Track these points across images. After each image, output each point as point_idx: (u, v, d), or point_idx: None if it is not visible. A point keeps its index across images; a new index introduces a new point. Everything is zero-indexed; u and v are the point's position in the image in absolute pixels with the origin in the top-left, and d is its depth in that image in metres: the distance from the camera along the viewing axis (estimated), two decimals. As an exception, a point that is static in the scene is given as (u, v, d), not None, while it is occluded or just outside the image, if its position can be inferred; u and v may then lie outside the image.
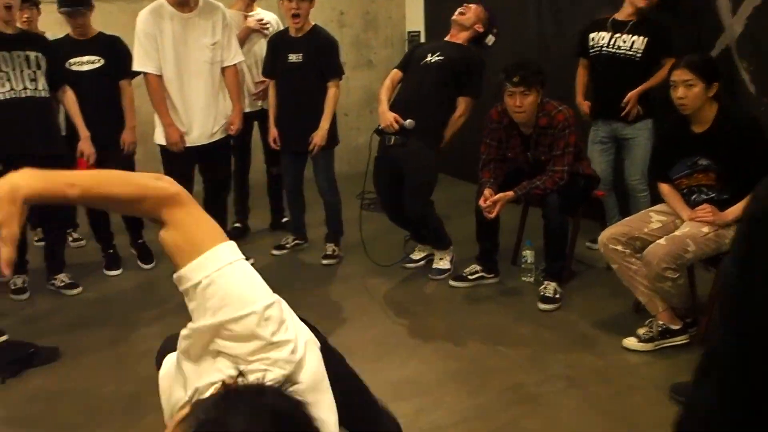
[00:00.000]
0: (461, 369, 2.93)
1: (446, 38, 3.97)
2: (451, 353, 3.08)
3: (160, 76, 3.77)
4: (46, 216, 4.01)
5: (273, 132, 4.20)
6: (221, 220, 4.41)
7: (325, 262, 4.25)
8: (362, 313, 3.54)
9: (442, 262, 3.98)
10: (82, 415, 2.69)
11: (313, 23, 4.11)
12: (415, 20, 6.63)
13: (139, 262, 4.34)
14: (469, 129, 4.03)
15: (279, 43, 4.15)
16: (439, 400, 2.69)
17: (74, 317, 3.63)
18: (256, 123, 4.68)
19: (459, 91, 3.83)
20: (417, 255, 4.19)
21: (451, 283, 3.82)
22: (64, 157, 3.83)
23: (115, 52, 4.08)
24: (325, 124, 4.06)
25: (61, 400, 2.82)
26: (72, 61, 3.99)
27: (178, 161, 3.86)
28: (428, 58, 3.82)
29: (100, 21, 5.12)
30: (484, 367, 2.94)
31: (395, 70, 4.07)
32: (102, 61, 4.02)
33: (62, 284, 3.98)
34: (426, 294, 3.78)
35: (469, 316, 3.45)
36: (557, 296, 3.49)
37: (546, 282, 3.55)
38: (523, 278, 3.82)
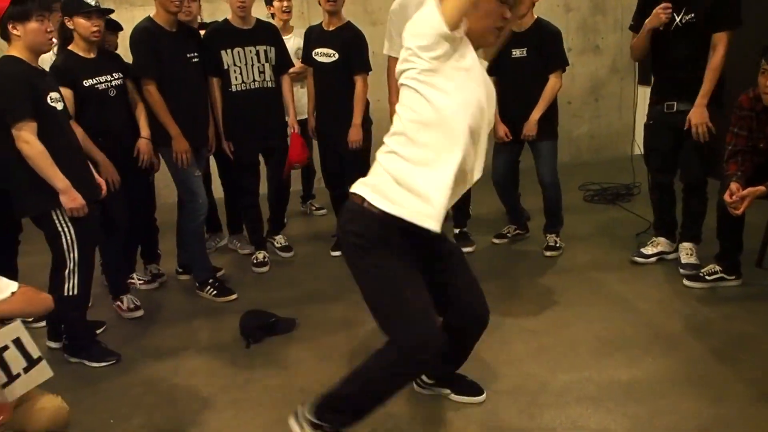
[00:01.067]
0: (699, 375, 2.72)
1: None
2: (688, 356, 2.87)
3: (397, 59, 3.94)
4: (274, 187, 4.42)
5: (501, 127, 4.12)
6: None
7: (548, 254, 4.15)
8: (586, 306, 3.42)
9: (693, 258, 3.71)
10: (317, 383, 2.82)
11: (536, 16, 3.99)
12: (649, 1, 6.21)
13: None
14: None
15: None
16: (676, 405, 2.52)
17: (310, 292, 3.90)
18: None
19: (714, 30, 3.48)
20: (649, 250, 3.93)
21: (686, 283, 3.55)
22: (284, 141, 4.24)
23: (354, 47, 4.13)
24: (536, 114, 3.96)
25: (297, 369, 3.03)
26: (317, 51, 4.19)
27: None
28: (677, 20, 3.51)
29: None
30: (725, 375, 2.71)
31: (634, 35, 3.78)
32: (337, 56, 4.12)
33: (279, 246, 4.56)
34: (656, 292, 3.55)
35: (706, 320, 3.19)
36: (814, 305, 3.12)
37: (800, 288, 3.19)
38: (772, 283, 3.47)
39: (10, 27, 2.86)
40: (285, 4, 4.69)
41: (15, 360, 1.96)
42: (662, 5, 3.47)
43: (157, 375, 3.07)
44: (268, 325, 3.36)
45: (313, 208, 5.56)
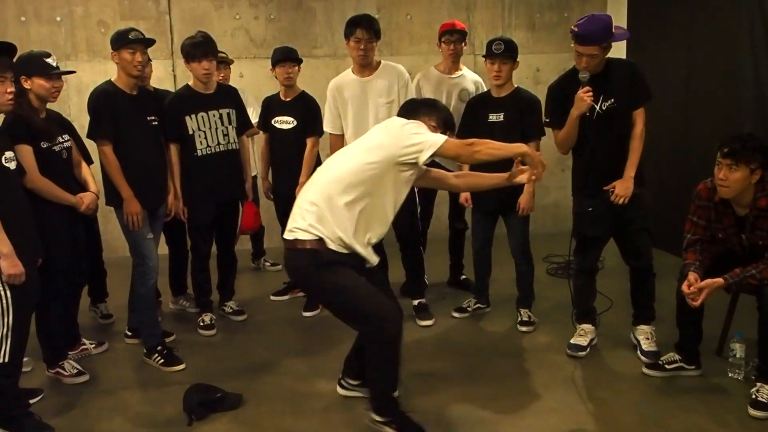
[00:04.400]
0: (654, 476, 2.65)
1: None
2: (644, 455, 2.80)
3: (340, 136, 4.22)
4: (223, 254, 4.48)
5: (465, 193, 4.19)
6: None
7: (523, 329, 4.12)
8: (545, 393, 3.34)
9: (654, 344, 3.65)
10: None
11: (516, 85, 4.09)
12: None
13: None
14: (670, 190, 3.74)
15: (478, 103, 4.17)
16: None
17: (260, 362, 3.80)
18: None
19: (634, 109, 3.56)
20: (582, 341, 3.79)
21: (645, 371, 3.49)
22: (239, 200, 4.37)
23: (309, 114, 4.44)
24: (529, 187, 3.94)
25: None
26: (277, 119, 4.48)
27: None
28: (597, 108, 3.54)
29: (308, 75, 5.54)
30: (681, 476, 2.64)
31: (555, 131, 3.71)
32: (295, 123, 4.44)
33: (230, 311, 4.49)
34: (615, 380, 3.48)
35: (664, 412, 3.12)
36: (773, 402, 3.07)
37: (759, 384, 3.13)
38: (731, 374, 3.41)
39: None
40: (221, 74, 4.81)
41: None
42: (582, 89, 3.45)
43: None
44: (213, 401, 3.24)
45: (267, 263, 5.67)
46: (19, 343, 3.01)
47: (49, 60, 3.40)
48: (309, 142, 4.40)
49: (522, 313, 4.21)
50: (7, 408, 3.05)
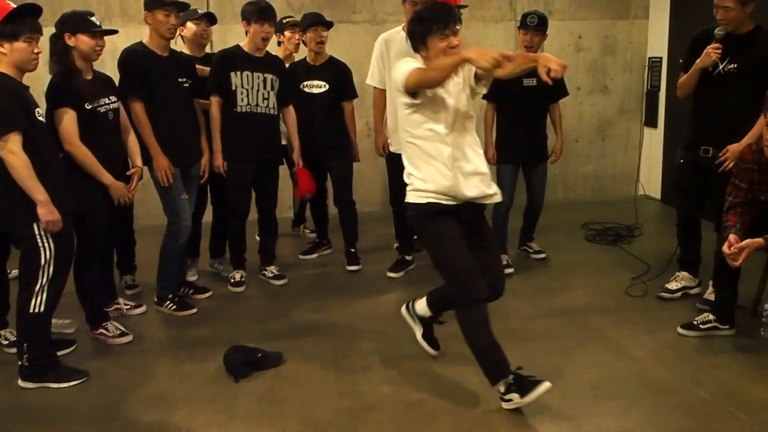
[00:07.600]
0: (688, 428, 2.72)
1: None
2: (678, 408, 2.86)
3: (383, 90, 4.33)
4: (264, 218, 4.57)
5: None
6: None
7: (542, 256, 4.64)
8: (581, 352, 3.42)
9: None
10: (300, 423, 2.84)
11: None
12: (658, 46, 6.30)
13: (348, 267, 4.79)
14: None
15: None
16: (660, 459, 2.53)
17: (301, 323, 3.90)
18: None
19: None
20: (673, 285, 4.00)
21: (680, 330, 3.56)
22: (277, 163, 4.48)
23: (343, 78, 4.62)
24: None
25: (284, 405, 2.99)
26: (306, 83, 4.58)
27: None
28: (720, 67, 3.60)
29: (347, 40, 5.62)
30: (714, 429, 2.71)
31: (682, 73, 3.82)
32: (327, 87, 4.57)
33: (271, 275, 4.57)
34: (650, 339, 3.53)
35: (698, 370, 3.19)
36: (806, 360, 3.13)
37: (793, 342, 3.20)
38: (763, 334, 3.46)
39: None
40: (297, 36, 4.90)
41: None
42: (714, 45, 3.52)
43: (137, 407, 3.00)
44: (255, 360, 3.31)
45: (306, 231, 5.71)
46: (56, 295, 3.15)
47: (92, 18, 3.39)
48: (347, 106, 4.62)
49: (533, 245, 4.90)
50: (37, 356, 3.15)
